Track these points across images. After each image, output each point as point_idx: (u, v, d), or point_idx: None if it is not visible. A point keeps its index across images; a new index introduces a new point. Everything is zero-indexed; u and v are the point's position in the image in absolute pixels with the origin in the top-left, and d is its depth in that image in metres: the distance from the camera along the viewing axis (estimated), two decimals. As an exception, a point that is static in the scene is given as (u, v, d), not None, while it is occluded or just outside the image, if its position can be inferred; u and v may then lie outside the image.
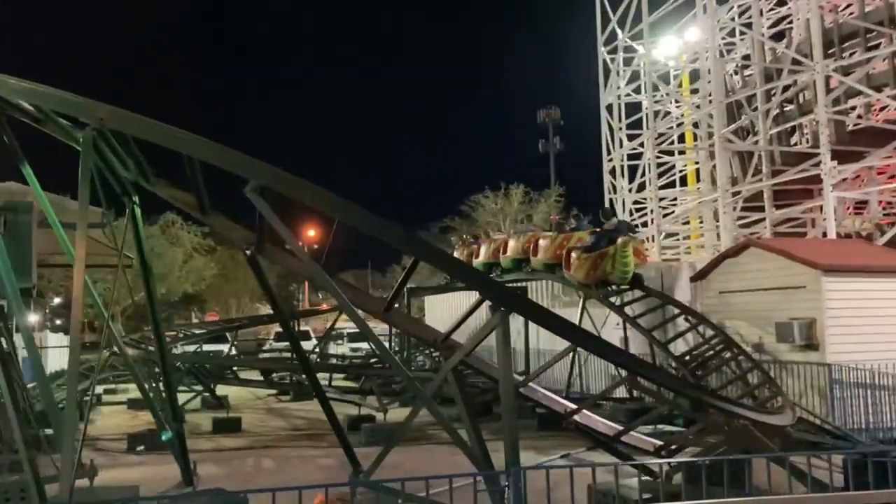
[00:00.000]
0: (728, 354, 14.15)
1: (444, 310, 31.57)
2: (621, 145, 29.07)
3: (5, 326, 15.74)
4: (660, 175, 30.55)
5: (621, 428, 8.34)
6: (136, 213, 8.59)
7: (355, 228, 6.89)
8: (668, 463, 8.65)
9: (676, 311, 15.93)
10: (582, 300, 18.15)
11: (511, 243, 18.85)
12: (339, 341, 36.31)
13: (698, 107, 27.33)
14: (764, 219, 23.99)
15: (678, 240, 31.40)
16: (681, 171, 32.26)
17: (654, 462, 8.06)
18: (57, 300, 41.80)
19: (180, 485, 8.76)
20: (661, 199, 29.21)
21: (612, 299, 16.58)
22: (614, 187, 29.82)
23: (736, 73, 28.25)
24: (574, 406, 8.01)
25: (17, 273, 13.16)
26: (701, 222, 28.61)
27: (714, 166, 27.42)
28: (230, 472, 13.58)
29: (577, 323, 18.74)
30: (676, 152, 31.85)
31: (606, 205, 30.16)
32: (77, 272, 7.63)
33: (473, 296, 24.72)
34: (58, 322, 47.46)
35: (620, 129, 29.30)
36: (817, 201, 21.79)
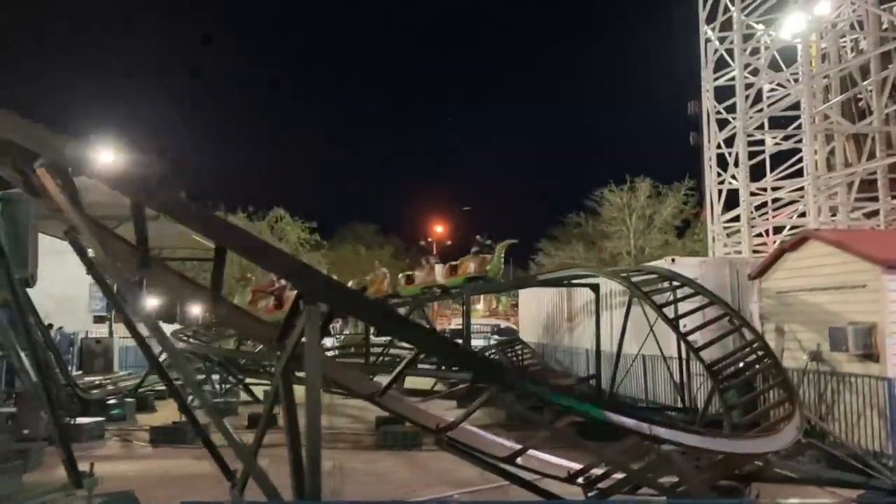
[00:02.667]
0: (767, 362, 12.19)
1: (530, 308, 30.30)
2: (719, 130, 26.44)
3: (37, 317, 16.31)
4: (779, 163, 27.66)
5: (518, 446, 7.06)
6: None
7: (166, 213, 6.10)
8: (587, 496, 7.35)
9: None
10: (628, 299, 16.51)
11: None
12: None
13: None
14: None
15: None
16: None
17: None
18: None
19: (66, 486, 8.30)
20: (775, 189, 26.38)
21: (660, 297, 14.99)
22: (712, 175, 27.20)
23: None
24: (450, 419, 6.83)
25: (14, 264, 13.42)
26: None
27: (830, 152, 24.51)
28: (209, 471, 13.30)
29: (624, 322, 17.23)
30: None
31: (707, 197, 27.74)
32: None
33: (561, 293, 23.22)
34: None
35: (719, 112, 26.65)
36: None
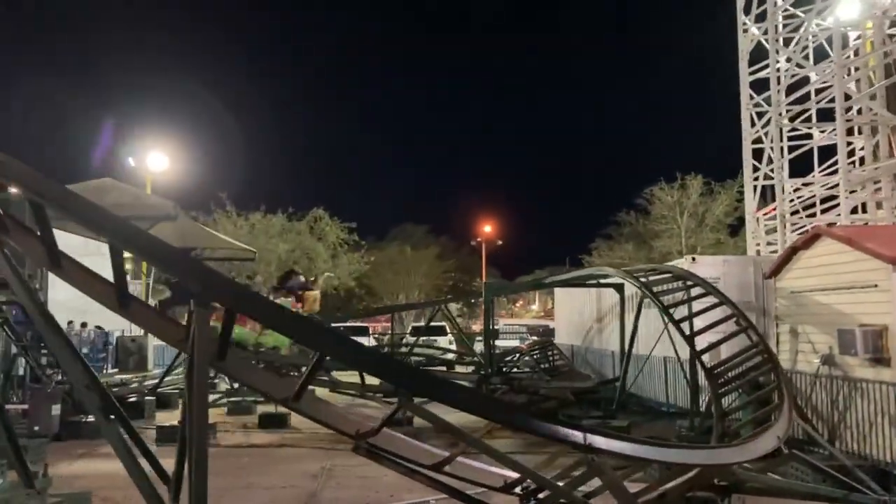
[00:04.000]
0: (768, 367, 11.52)
1: (564, 310, 29.70)
2: (752, 124, 25.30)
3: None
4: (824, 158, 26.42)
5: (446, 454, 6.70)
6: None
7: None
8: None
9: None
10: (639, 302, 15.94)
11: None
12: (479, 339, 35.47)
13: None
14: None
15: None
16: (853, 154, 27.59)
17: None
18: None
19: (17, 486, 8.29)
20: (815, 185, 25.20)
21: (667, 298, 14.38)
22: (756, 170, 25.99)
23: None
24: (373, 425, 6.51)
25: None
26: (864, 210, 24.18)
27: (876, 144, 23.29)
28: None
29: (635, 323, 16.71)
30: (856, 130, 27.20)
31: (748, 194, 26.63)
32: None
33: (590, 294, 22.64)
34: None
35: (758, 105, 25.48)
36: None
